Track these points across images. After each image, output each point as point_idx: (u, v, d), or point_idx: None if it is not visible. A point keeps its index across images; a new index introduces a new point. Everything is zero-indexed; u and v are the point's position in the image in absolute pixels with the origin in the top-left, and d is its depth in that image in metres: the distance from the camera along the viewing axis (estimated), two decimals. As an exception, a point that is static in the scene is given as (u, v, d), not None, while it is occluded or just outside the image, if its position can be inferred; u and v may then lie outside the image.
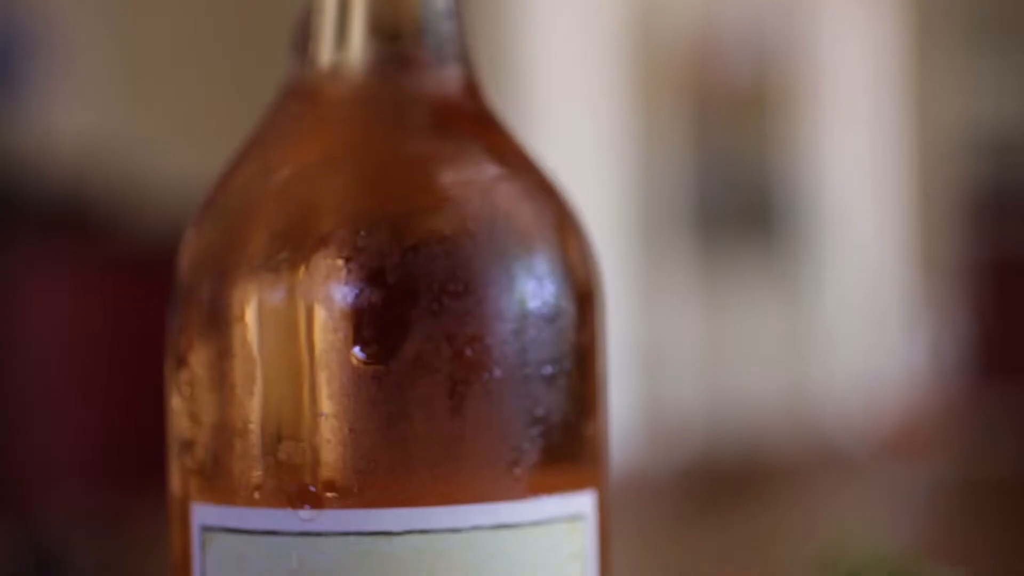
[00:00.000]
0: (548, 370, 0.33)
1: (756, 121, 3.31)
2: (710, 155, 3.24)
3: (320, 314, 0.32)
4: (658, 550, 1.23)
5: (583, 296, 0.34)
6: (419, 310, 0.32)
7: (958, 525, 1.50)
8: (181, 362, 0.34)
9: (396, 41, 0.34)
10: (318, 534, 0.31)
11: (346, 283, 0.32)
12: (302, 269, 0.32)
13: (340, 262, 0.32)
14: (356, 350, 0.32)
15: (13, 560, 1.38)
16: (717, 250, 3.22)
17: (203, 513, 0.33)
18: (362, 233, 0.32)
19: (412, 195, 0.33)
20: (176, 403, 0.34)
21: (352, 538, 0.31)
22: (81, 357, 1.91)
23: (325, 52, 0.34)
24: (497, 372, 0.32)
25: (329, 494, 0.31)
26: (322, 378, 0.32)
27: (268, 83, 0.37)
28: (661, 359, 3.02)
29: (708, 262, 3.20)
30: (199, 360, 0.33)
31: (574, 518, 0.33)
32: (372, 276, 0.32)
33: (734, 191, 3.27)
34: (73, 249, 1.95)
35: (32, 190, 2.00)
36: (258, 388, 0.32)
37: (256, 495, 0.32)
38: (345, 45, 0.34)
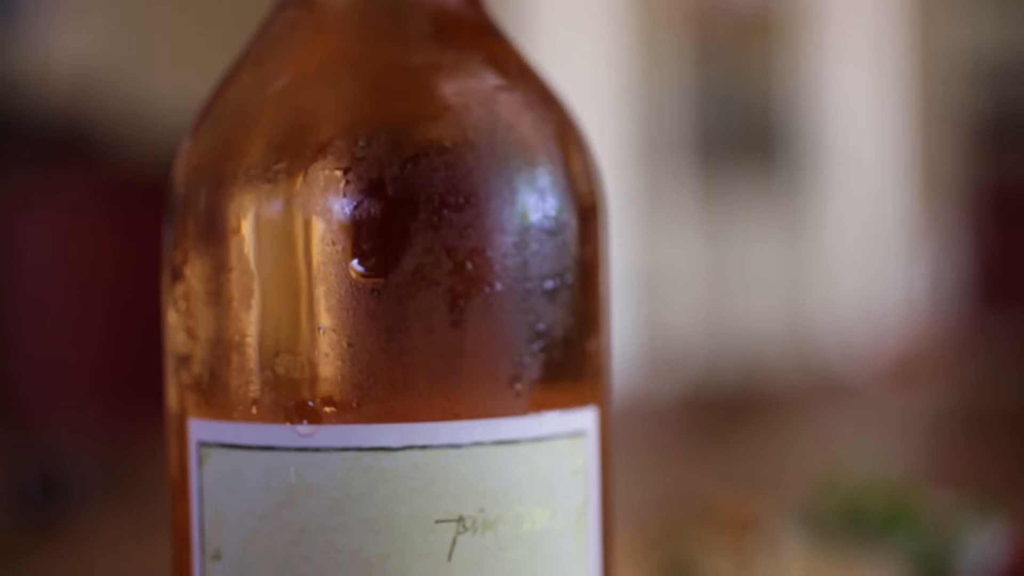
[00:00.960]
0: (550, 284, 0.32)
1: (758, 47, 3.28)
2: (712, 81, 3.22)
3: (318, 226, 0.31)
4: (658, 474, 1.23)
5: (586, 209, 0.34)
6: (419, 222, 0.31)
7: (958, 453, 1.51)
8: (176, 276, 0.33)
9: (395, -52, 0.33)
10: (316, 449, 0.31)
11: (344, 194, 0.31)
12: (299, 180, 0.31)
13: (338, 173, 0.31)
14: (354, 263, 0.31)
15: (17, 479, 1.38)
16: (718, 177, 3.21)
17: (200, 429, 0.32)
18: (361, 143, 0.31)
19: (412, 105, 0.32)
20: (172, 318, 0.34)
21: (351, 454, 0.31)
22: (81, 280, 1.91)
23: (322, -41, 0.33)
24: (498, 286, 0.32)
25: (327, 409, 0.31)
26: (320, 291, 0.31)
27: (265, 5, 0.36)
28: (662, 286, 3.01)
29: (709, 189, 3.19)
30: (195, 274, 0.33)
31: (576, 434, 0.33)
32: (371, 187, 0.31)
33: (736, 117, 3.25)
34: (71, 173, 1.94)
35: (29, 114, 1.99)
36: (255, 302, 0.32)
37: (253, 410, 0.32)
38: (343, -48, 0.33)
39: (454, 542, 0.31)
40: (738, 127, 3.25)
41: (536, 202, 0.32)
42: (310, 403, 0.31)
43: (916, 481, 0.91)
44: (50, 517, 1.27)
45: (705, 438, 1.69)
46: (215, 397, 0.32)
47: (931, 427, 1.79)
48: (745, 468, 1.34)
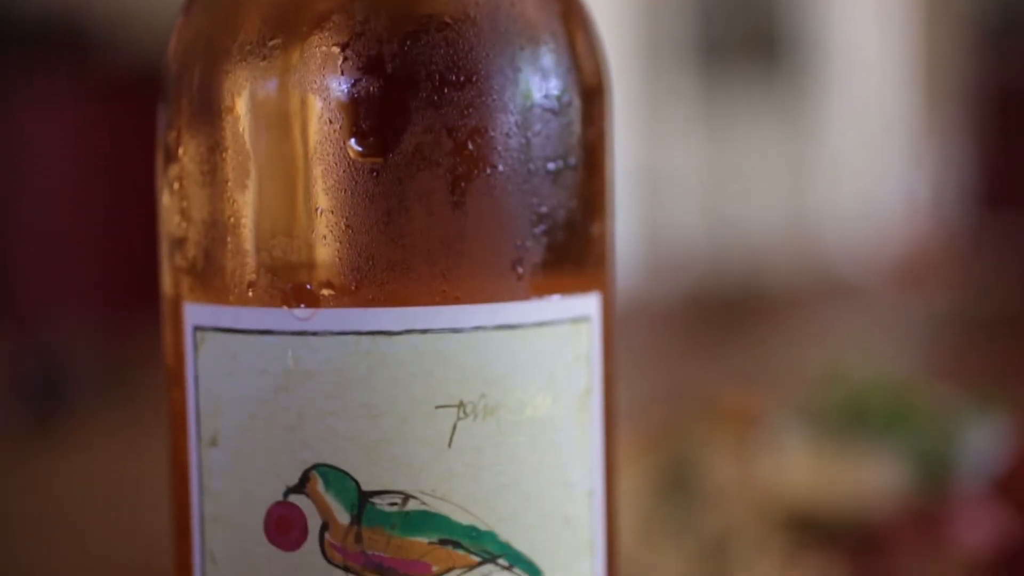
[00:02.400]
0: (553, 166, 0.32)
1: (763, -55, 3.24)
2: (716, -20, 3.18)
3: (315, 104, 0.30)
4: (659, 372, 1.23)
5: (590, 90, 0.33)
6: (419, 101, 0.30)
7: (959, 354, 1.51)
8: (170, 157, 0.32)
9: None
10: (314, 333, 0.30)
11: (342, 72, 0.30)
12: (296, 56, 0.30)
13: (336, 49, 0.30)
14: (352, 142, 0.30)
15: (17, 377, 1.38)
16: (721, 77, 3.18)
17: (195, 313, 0.32)
18: (359, 19, 0.30)
19: (411, -21, 0.31)
20: (166, 200, 0.33)
21: (349, 337, 0.30)
22: (80, 176, 1.90)
23: None
24: (500, 167, 0.31)
25: (325, 292, 0.30)
26: (317, 172, 0.30)
27: None
28: (663, 187, 3.00)
29: (711, 89, 3.17)
30: (189, 154, 0.32)
31: (579, 320, 0.32)
32: (369, 64, 0.30)
33: (739, 16, 3.22)
34: (68, 69, 1.92)
35: (25, 11, 1.96)
36: (251, 182, 0.31)
37: (249, 293, 0.31)
38: None
39: (455, 428, 0.30)
40: (741, 26, 3.22)
41: (539, 81, 0.31)
42: (307, 286, 0.30)
43: (918, 379, 0.90)
44: (51, 415, 1.27)
45: (707, 338, 1.69)
46: (210, 281, 0.32)
47: (933, 328, 1.79)
48: (747, 366, 1.34)
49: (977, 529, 0.60)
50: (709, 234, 3.01)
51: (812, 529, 0.61)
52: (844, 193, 3.24)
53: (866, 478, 0.63)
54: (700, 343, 1.63)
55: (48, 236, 1.89)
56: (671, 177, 3.04)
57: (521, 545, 0.31)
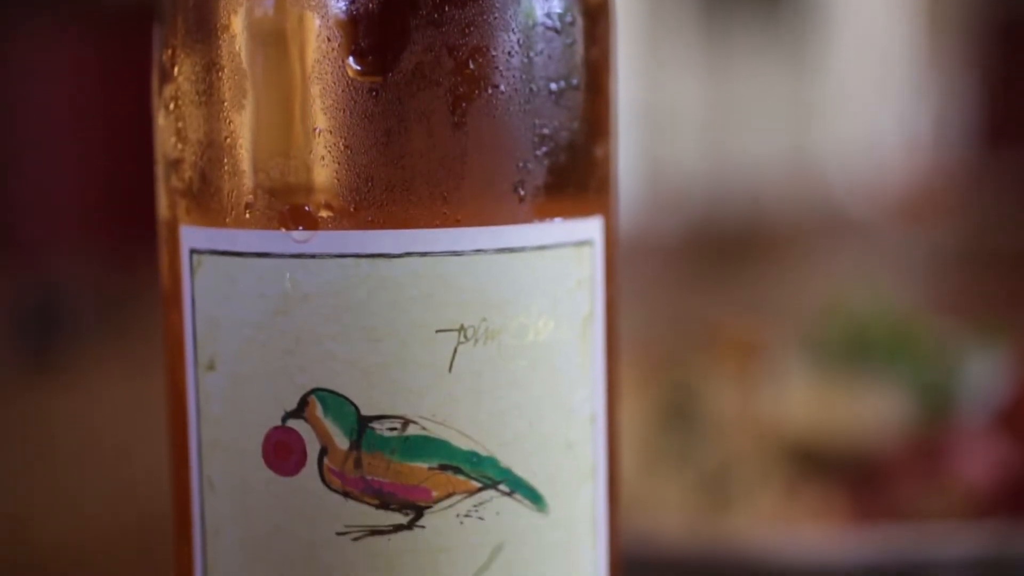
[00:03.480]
0: (555, 86, 0.31)
1: None
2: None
3: (312, 21, 0.30)
4: (660, 304, 1.22)
5: (593, 9, 0.32)
6: (419, 18, 0.29)
7: (961, 288, 1.50)
8: (166, 77, 0.32)
9: None
10: (312, 256, 0.30)
11: (340, -12, 0.29)
12: (292, -28, 0.30)
13: (333, -35, 0.29)
14: (351, 61, 0.29)
15: (16, 312, 1.38)
16: (722, 11, 3.16)
17: (192, 236, 0.31)
18: (357, -67, 0.29)
19: None
20: (162, 121, 0.32)
21: (348, 260, 0.30)
22: (79, 108, 1.89)
23: None
24: (501, 87, 0.30)
25: (324, 214, 0.30)
26: (315, 91, 0.30)
27: None
28: (664, 122, 2.99)
29: (713, 23, 3.14)
30: (184, 74, 0.31)
31: (581, 244, 0.32)
32: (368, -20, 0.29)
33: (742, -50, 3.19)
34: (65, 2, 1.90)
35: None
36: (248, 102, 0.30)
37: (247, 215, 0.30)
38: None
39: (455, 352, 0.30)
40: (744, -40, 3.19)
41: (542, -1, 0.31)
42: (305, 208, 0.30)
43: (919, 311, 0.90)
44: (50, 348, 1.27)
45: (708, 272, 1.68)
46: (207, 203, 0.31)
47: (934, 263, 1.78)
48: (749, 299, 1.34)
49: (978, 461, 0.60)
50: (710, 170, 3.00)
51: (813, 460, 0.61)
52: (846, 128, 3.22)
53: (867, 410, 0.63)
54: (701, 277, 1.62)
55: (47, 169, 1.88)
56: (672, 113, 3.02)
57: (522, 471, 0.31)
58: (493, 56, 0.30)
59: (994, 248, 1.80)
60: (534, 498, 0.31)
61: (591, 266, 0.32)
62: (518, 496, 0.31)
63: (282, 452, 0.30)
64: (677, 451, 0.61)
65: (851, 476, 0.60)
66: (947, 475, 0.59)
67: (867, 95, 3.29)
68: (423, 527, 0.30)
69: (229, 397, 0.31)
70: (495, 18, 0.30)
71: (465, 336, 0.30)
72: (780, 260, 1.78)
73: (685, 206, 2.69)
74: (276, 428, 0.30)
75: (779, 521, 0.57)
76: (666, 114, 2.99)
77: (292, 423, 0.30)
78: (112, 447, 0.95)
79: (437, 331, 0.30)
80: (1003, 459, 0.60)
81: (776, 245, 1.98)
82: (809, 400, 0.64)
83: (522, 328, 0.31)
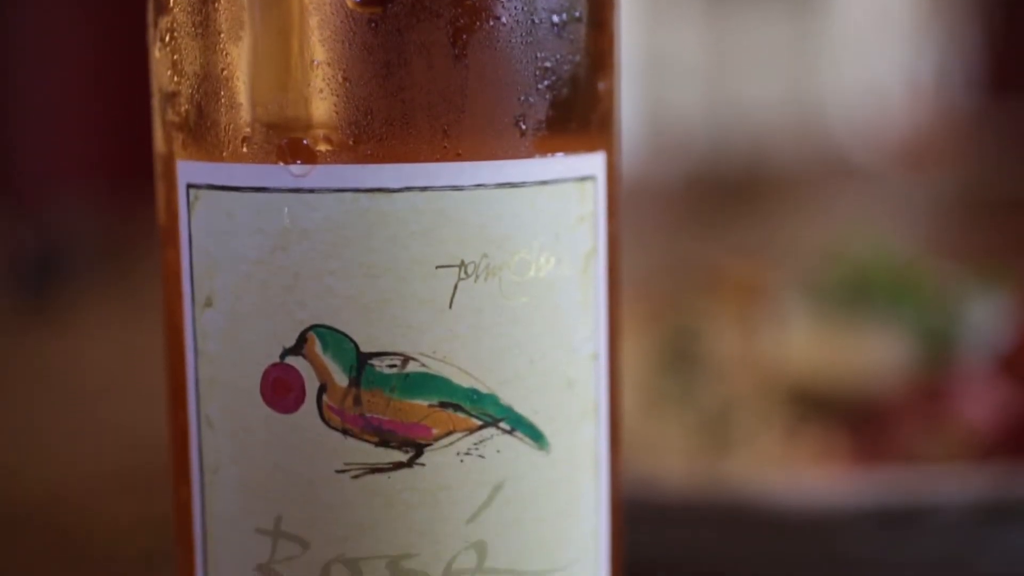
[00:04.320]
0: (558, 18, 0.30)
1: None
2: None
3: (310, -49, 0.29)
4: (662, 249, 1.22)
5: (597, -60, 0.31)
6: (418, -52, 0.29)
7: (963, 234, 1.50)
8: (162, 8, 0.31)
9: None
10: (311, 191, 0.29)
11: (338, -83, 0.29)
12: (290, -100, 0.29)
13: None
14: (350, -9, 0.29)
15: (15, 256, 1.37)
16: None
17: (188, 170, 0.31)
18: None
19: None
20: (157, 53, 0.32)
21: (347, 195, 0.29)
22: (79, 51, 1.88)
23: None
24: (503, 18, 0.30)
25: (322, 148, 0.29)
26: (313, 22, 0.29)
27: None
28: (666, 68, 2.97)
29: (716, -32, 3.12)
30: (181, 5, 0.31)
31: (583, 179, 0.31)
32: (367, -91, 0.29)
33: None
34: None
35: None
36: (245, 33, 0.30)
37: (244, 149, 0.30)
38: None
39: (455, 288, 0.30)
40: (747, -96, 3.16)
41: (544, -71, 0.30)
42: (304, 142, 0.29)
43: (922, 256, 0.90)
44: (48, 294, 1.27)
45: (709, 217, 1.68)
46: (204, 136, 0.31)
47: (936, 209, 1.78)
48: (750, 243, 1.34)
49: (979, 404, 0.60)
50: (711, 116, 2.99)
51: (814, 403, 0.61)
52: (848, 74, 3.20)
53: (869, 353, 0.63)
54: (702, 222, 1.62)
55: (47, 113, 1.87)
56: (674, 59, 3.00)
57: (523, 408, 0.31)
58: (494, -13, 0.29)
59: (996, 194, 1.79)
60: (535, 436, 0.31)
61: (593, 202, 0.31)
62: (519, 434, 0.31)
63: (281, 389, 0.30)
64: (678, 394, 0.61)
65: (852, 419, 0.60)
66: (948, 418, 0.59)
67: (869, 40, 3.27)
68: (423, 465, 0.30)
69: (227, 334, 0.31)
70: (496, -52, 0.29)
71: (465, 272, 0.30)
72: (782, 205, 1.78)
73: (686, 152, 2.68)
74: (274, 365, 0.30)
75: (780, 464, 0.57)
76: (667, 59, 2.97)
77: (291, 360, 0.30)
78: (110, 390, 0.94)
79: (437, 267, 0.29)
80: (1004, 402, 0.60)
81: (778, 191, 1.98)
82: (810, 343, 0.63)
83: (523, 264, 0.30)
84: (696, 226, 1.57)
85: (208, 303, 0.31)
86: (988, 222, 1.56)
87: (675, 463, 0.56)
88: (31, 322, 1.17)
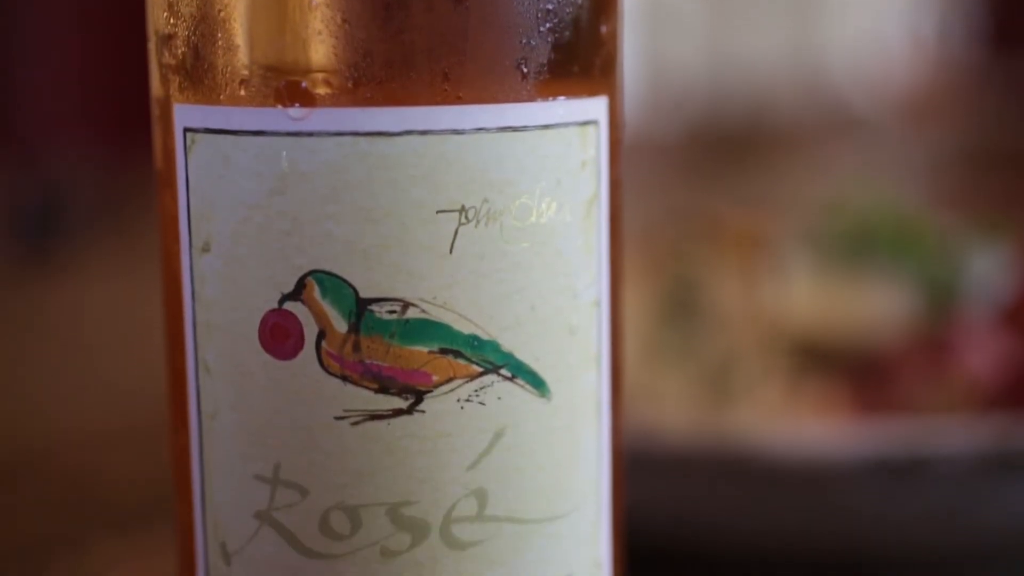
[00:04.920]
0: (561, -40, 0.30)
1: None
2: None
3: None
4: (662, 201, 1.22)
5: None
6: None
7: (966, 186, 1.49)
8: (157, -51, 0.31)
9: None
10: (310, 134, 0.29)
11: None
12: None
13: None
14: (349, -69, 0.28)
15: (16, 206, 1.37)
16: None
17: (185, 114, 0.30)
18: None
19: None
20: (153, -6, 0.31)
21: (347, 138, 0.29)
22: (78, 3, 1.87)
23: None
24: (505, -41, 0.29)
25: (321, 91, 0.29)
26: (312, -38, 0.29)
27: None
28: (665, 19, 2.95)
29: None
30: (177, -55, 0.30)
31: (586, 124, 0.31)
32: None
33: None
34: None
35: None
36: (242, -26, 0.29)
37: (242, 92, 0.30)
38: None
39: (456, 233, 0.29)
40: None
41: None
42: (302, 84, 0.29)
43: (924, 207, 0.89)
44: (49, 244, 1.26)
45: (710, 169, 1.67)
46: (201, 79, 0.30)
47: (939, 162, 1.77)
48: (751, 194, 1.33)
49: (982, 355, 0.59)
50: (712, 69, 2.97)
51: (816, 355, 0.60)
52: (850, 26, 3.19)
53: (871, 305, 0.62)
54: (703, 174, 1.61)
55: (48, 64, 1.86)
56: (673, 9, 2.99)
57: (524, 355, 0.30)
58: (496, -73, 0.29)
59: (998, 147, 1.78)
60: (536, 383, 0.31)
61: (596, 147, 0.31)
62: (520, 381, 0.30)
63: (279, 335, 0.30)
64: (679, 345, 0.61)
65: (854, 371, 0.59)
66: (950, 370, 0.59)
67: (872, -6, 3.25)
68: (423, 412, 0.30)
69: (225, 279, 0.30)
70: None
71: (466, 217, 0.29)
72: (783, 158, 1.77)
73: (687, 105, 2.67)
74: (273, 311, 0.30)
75: (781, 415, 0.57)
76: (667, 11, 2.96)
77: (289, 306, 0.30)
78: (110, 340, 0.94)
79: (437, 212, 0.29)
80: (1007, 354, 0.59)
81: (779, 143, 1.97)
82: (812, 295, 0.63)
83: (524, 209, 0.30)
84: (697, 179, 1.56)
85: (205, 248, 0.30)
86: (990, 175, 1.55)
87: (676, 414, 0.56)
88: (31, 273, 1.17)
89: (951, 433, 0.48)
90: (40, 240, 1.29)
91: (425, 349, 0.29)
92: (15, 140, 1.79)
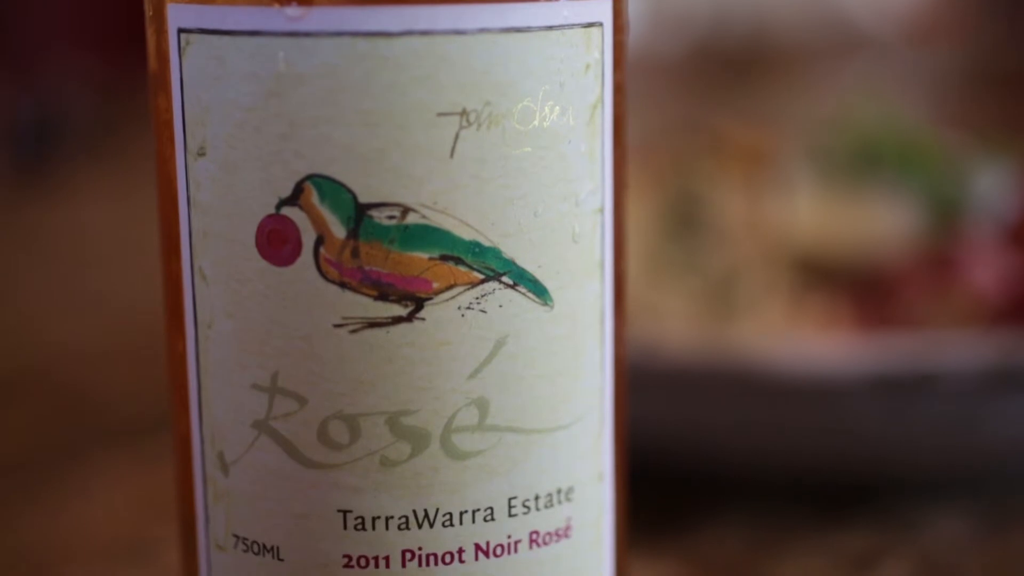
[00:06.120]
0: None
1: None
2: None
3: None
4: (664, 115, 1.21)
5: None
6: None
7: (971, 105, 1.48)
8: None
9: None
10: (307, 34, 0.28)
11: None
12: None
13: None
14: None
15: (13, 123, 1.36)
16: None
17: (179, 13, 0.30)
18: None
19: None
20: None
21: (345, 39, 0.28)
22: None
23: None
24: None
25: (318, -11, 0.28)
26: None
27: None
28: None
29: None
30: None
31: (590, 25, 0.30)
32: None
33: None
34: None
35: None
36: None
37: (237, -9, 0.29)
38: None
39: (457, 137, 0.29)
40: None
41: None
42: (299, -18, 0.28)
43: (929, 124, 0.89)
44: (45, 163, 1.25)
45: (714, 86, 1.66)
46: (195, -22, 0.29)
47: (945, 81, 1.76)
48: (755, 111, 1.32)
49: (986, 272, 0.59)
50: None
51: (819, 270, 0.60)
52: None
53: (875, 220, 0.62)
54: (706, 93, 1.60)
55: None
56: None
57: (526, 262, 0.30)
58: None
59: (1004, 66, 1.77)
60: (538, 291, 0.30)
61: (600, 50, 0.30)
62: (522, 288, 0.30)
63: (276, 241, 0.29)
64: (681, 260, 0.60)
65: (858, 286, 0.59)
66: (954, 286, 0.58)
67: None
68: (423, 319, 0.29)
69: (220, 184, 0.30)
70: None
71: (467, 120, 0.29)
72: (787, 75, 1.76)
73: (688, 24, 2.64)
74: (270, 216, 0.29)
75: (784, 331, 0.56)
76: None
77: (287, 211, 0.29)
78: (106, 258, 0.94)
79: (438, 114, 0.28)
80: (1011, 270, 0.59)
81: (783, 60, 1.95)
82: (816, 210, 0.62)
83: (527, 113, 0.29)
84: (700, 95, 1.55)
85: (201, 152, 0.30)
86: (996, 94, 1.54)
87: (678, 330, 0.56)
88: (27, 191, 1.16)
89: (955, 349, 0.48)
90: (36, 159, 1.28)
91: (425, 255, 0.29)
92: (11, 57, 1.78)
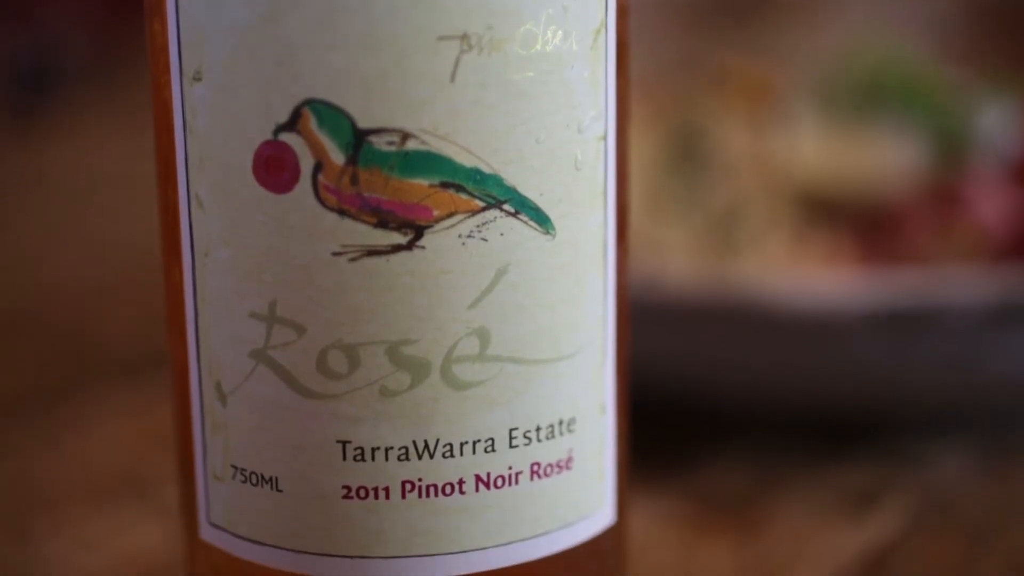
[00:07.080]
0: None
1: None
2: None
3: None
4: (668, 49, 1.20)
5: None
6: None
7: (975, 46, 1.47)
8: None
9: None
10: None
11: None
12: None
13: None
14: None
15: (11, 65, 1.35)
16: None
17: (174, -65, 0.29)
18: None
19: None
20: None
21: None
22: None
23: None
24: None
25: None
26: None
27: None
28: None
29: None
30: None
31: (594, -52, 0.29)
32: None
33: None
34: None
35: None
36: None
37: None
38: None
39: (457, 61, 0.28)
40: None
41: None
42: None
43: (935, 60, 0.88)
44: (42, 102, 1.25)
45: (718, 21, 1.65)
46: (190, -102, 0.29)
47: (952, 17, 1.74)
48: (759, 46, 1.31)
49: (991, 207, 0.58)
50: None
51: (823, 206, 0.59)
52: None
53: (879, 156, 0.61)
54: (710, 26, 1.59)
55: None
56: None
57: (528, 190, 0.29)
58: None
59: (1011, 3, 1.75)
60: (540, 219, 0.30)
61: (603, -15, 0.30)
62: (523, 217, 0.29)
63: (274, 168, 0.29)
64: (684, 194, 0.60)
65: (861, 222, 0.58)
66: (959, 221, 0.58)
67: None
68: (423, 247, 0.29)
69: (217, 109, 0.29)
70: None
71: (468, 44, 0.28)
72: (793, 11, 1.74)
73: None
74: (267, 142, 0.29)
75: (787, 266, 0.56)
76: None
77: (284, 137, 0.28)
78: (104, 198, 0.93)
79: (438, 38, 0.28)
80: (1015, 206, 0.59)
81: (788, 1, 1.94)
82: (820, 145, 0.62)
83: (529, 37, 0.29)
84: (703, 30, 1.54)
85: (197, 77, 0.29)
86: (1002, 30, 1.53)
87: (680, 264, 0.55)
88: (24, 130, 1.16)
89: (958, 285, 0.48)
90: (33, 97, 1.27)
91: (425, 182, 0.28)
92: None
